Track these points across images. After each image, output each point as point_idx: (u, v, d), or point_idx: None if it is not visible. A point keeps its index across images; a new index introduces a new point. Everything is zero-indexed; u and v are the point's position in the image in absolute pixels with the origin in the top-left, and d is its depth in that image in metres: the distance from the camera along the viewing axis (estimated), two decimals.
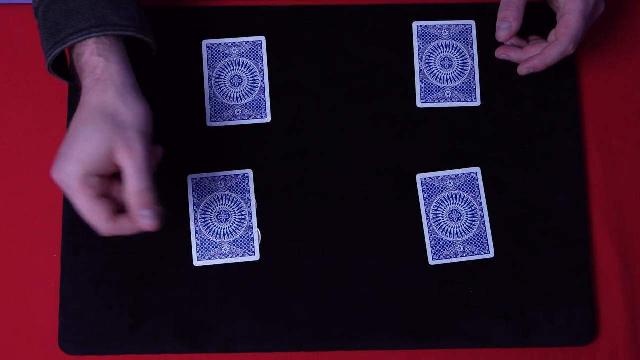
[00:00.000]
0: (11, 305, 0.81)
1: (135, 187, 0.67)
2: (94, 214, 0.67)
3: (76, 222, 0.80)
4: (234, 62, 0.84)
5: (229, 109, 0.83)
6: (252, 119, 0.83)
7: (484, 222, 0.81)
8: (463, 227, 0.81)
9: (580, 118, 0.84)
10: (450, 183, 0.82)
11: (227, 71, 0.84)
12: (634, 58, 0.86)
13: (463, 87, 0.84)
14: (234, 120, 0.83)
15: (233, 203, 0.80)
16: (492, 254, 0.80)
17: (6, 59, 0.85)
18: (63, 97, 0.84)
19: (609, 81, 0.86)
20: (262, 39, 0.84)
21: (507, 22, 0.77)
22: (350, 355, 0.80)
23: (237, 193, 0.80)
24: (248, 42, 0.84)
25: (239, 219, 0.80)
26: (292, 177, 0.82)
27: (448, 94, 0.83)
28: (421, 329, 0.79)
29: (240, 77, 0.84)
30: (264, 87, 0.83)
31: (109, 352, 0.79)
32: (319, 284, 0.80)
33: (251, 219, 0.80)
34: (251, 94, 0.83)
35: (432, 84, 0.84)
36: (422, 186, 0.82)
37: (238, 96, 0.83)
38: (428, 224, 0.81)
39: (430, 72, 0.84)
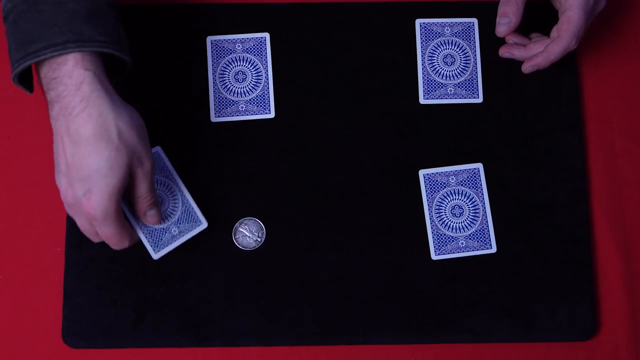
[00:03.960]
0: (15, 299, 0.81)
1: (144, 193, 0.72)
2: (121, 238, 0.71)
3: None
4: (238, 58, 0.84)
5: (233, 105, 0.83)
6: (256, 114, 0.83)
7: (486, 217, 0.81)
8: (465, 223, 0.81)
9: (582, 115, 0.85)
10: (452, 179, 0.82)
11: (231, 67, 0.84)
12: (635, 56, 0.87)
13: (465, 83, 0.84)
14: (237, 115, 0.83)
15: None
16: (494, 249, 0.81)
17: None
18: None
19: (611, 79, 0.86)
20: (266, 35, 0.85)
21: (506, 18, 0.78)
22: (352, 349, 0.80)
23: None
24: (252, 38, 0.85)
25: None
26: (295, 172, 0.82)
27: (450, 90, 0.84)
28: (423, 323, 0.80)
29: (245, 73, 0.84)
30: (268, 83, 0.84)
31: (113, 345, 0.79)
32: (321, 279, 0.80)
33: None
34: (255, 89, 0.84)
35: (434, 80, 0.84)
36: (425, 182, 0.82)
37: (242, 92, 0.84)
38: (430, 219, 0.81)
39: (432, 69, 0.84)
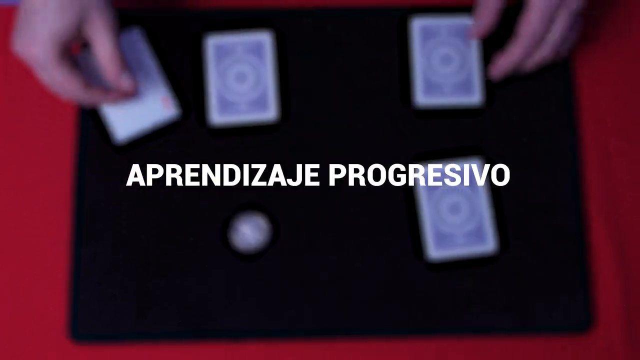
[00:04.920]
0: (20, 295, 0.82)
1: (110, 52, 0.72)
2: (72, 84, 0.71)
3: (85, 212, 0.82)
4: (238, 59, 0.85)
5: (234, 105, 0.84)
6: (257, 114, 0.84)
7: (484, 215, 0.83)
8: (463, 221, 0.82)
9: (576, 115, 0.86)
10: (450, 177, 0.83)
11: (232, 68, 0.85)
12: (630, 56, 0.88)
13: (462, 83, 0.85)
14: (238, 115, 0.84)
15: None
16: (491, 247, 0.82)
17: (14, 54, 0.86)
18: None
19: (605, 79, 0.87)
20: (267, 36, 0.86)
21: (480, 20, 0.80)
22: (352, 345, 0.81)
23: None
24: (253, 39, 0.85)
25: None
26: (295, 172, 0.83)
27: (448, 90, 0.85)
28: (422, 320, 0.81)
29: (245, 73, 0.85)
30: (268, 84, 0.85)
31: (117, 340, 0.80)
32: (321, 276, 0.81)
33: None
34: (255, 90, 0.85)
35: (431, 80, 0.85)
36: (423, 180, 0.83)
37: (242, 92, 0.85)
38: (429, 217, 0.82)
39: (430, 69, 0.85)
